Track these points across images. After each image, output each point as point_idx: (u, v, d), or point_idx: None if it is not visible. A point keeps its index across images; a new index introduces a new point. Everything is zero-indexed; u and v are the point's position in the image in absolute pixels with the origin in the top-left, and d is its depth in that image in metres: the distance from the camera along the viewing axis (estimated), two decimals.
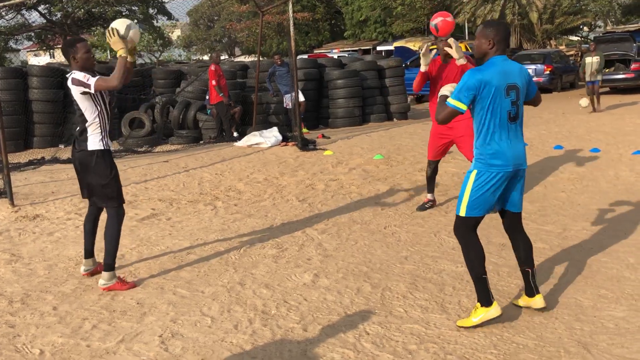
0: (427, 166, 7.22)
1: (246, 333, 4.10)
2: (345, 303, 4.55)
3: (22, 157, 11.97)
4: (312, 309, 4.45)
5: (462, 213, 4.07)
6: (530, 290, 4.23)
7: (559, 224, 6.41)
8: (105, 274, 4.94)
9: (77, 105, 4.87)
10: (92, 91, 4.74)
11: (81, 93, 4.80)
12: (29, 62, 54.35)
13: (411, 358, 3.68)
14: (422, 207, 7.17)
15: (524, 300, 4.30)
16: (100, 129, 4.89)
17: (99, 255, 5.31)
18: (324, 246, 5.96)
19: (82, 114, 4.88)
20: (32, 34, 36.46)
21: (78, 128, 4.95)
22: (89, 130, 4.87)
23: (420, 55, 6.72)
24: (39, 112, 13.64)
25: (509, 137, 3.99)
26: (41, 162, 11.20)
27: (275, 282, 5.02)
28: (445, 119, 4.08)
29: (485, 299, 4.00)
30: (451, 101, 3.97)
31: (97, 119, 4.87)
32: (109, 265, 4.95)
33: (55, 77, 13.96)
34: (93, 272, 5.27)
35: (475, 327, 4.00)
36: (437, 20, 6.60)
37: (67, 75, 4.92)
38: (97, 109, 4.87)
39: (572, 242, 5.77)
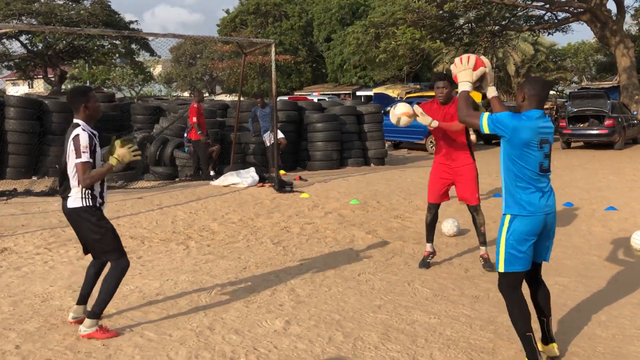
0: (427, 210, 6.78)
1: None
2: (316, 352, 4.47)
3: None
4: (282, 358, 4.37)
5: (501, 269, 4.12)
6: (545, 338, 4.32)
7: None
8: (88, 321, 4.71)
9: (66, 159, 4.67)
10: (74, 162, 4.56)
11: (70, 149, 4.61)
12: (7, 92, 53.98)
13: None
14: (424, 263, 6.75)
15: (541, 348, 4.33)
16: (82, 188, 4.66)
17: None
18: (297, 292, 5.89)
19: (66, 169, 4.68)
20: (12, 64, 36.31)
21: (62, 182, 4.74)
22: (72, 183, 4.66)
23: (419, 118, 6.27)
24: (14, 142, 13.46)
25: (540, 186, 4.10)
26: (13, 193, 11.02)
27: (245, 328, 4.93)
28: (467, 123, 4.35)
29: (532, 356, 4.04)
30: (483, 120, 4.10)
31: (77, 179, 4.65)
32: (95, 313, 4.72)
33: (33, 108, 13.84)
34: (81, 322, 4.91)
35: None
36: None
37: (74, 125, 4.66)
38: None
39: None
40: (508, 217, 4.13)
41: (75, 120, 4.71)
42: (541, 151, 4.05)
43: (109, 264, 4.93)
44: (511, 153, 4.09)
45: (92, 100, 4.72)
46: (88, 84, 41.65)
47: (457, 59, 4.53)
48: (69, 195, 4.69)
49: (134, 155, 4.80)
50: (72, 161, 4.61)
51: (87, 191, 4.68)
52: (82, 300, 5.02)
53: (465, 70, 4.45)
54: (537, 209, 4.06)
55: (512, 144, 4.05)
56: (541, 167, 4.08)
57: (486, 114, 4.14)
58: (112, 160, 4.70)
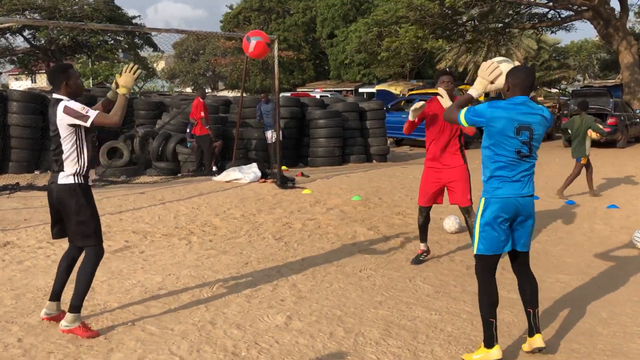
0: (418, 213, 6.81)
1: None
2: (317, 347, 4.49)
3: None
4: (283, 353, 4.38)
5: (475, 250, 4.24)
6: (531, 329, 4.33)
7: None
8: (69, 316, 4.62)
9: (57, 133, 4.59)
10: (87, 125, 4.55)
11: (68, 124, 4.54)
12: (10, 86, 54.03)
13: None
14: (417, 260, 6.78)
15: (528, 344, 4.38)
16: (78, 162, 4.64)
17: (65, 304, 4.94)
18: (299, 287, 5.91)
19: (60, 144, 4.61)
20: (15, 58, 36.35)
21: (55, 157, 4.69)
22: (65, 162, 4.62)
23: (411, 109, 6.46)
24: (16, 137, 13.50)
25: (516, 173, 4.18)
26: (16, 188, 11.04)
27: (247, 323, 4.94)
28: (448, 120, 4.49)
29: (489, 341, 4.13)
30: (461, 114, 4.26)
31: (75, 152, 4.62)
32: (76, 307, 4.63)
33: (36, 103, 13.85)
34: (54, 319, 4.82)
35: None
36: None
37: (56, 100, 4.61)
38: (78, 142, 4.62)
39: (546, 294, 5.76)
40: (483, 200, 4.23)
41: (55, 96, 4.66)
42: (517, 138, 4.11)
43: (81, 258, 4.85)
44: (487, 141, 4.20)
45: (73, 77, 4.69)
46: (91, 80, 41.65)
47: (484, 64, 4.46)
48: (63, 167, 4.63)
49: (134, 73, 4.85)
50: (65, 129, 4.56)
51: (80, 169, 4.65)
52: (55, 296, 4.87)
53: (484, 79, 4.41)
54: (511, 193, 4.15)
55: (488, 132, 4.17)
56: (519, 154, 4.15)
57: (464, 109, 4.26)
58: (121, 91, 4.74)
